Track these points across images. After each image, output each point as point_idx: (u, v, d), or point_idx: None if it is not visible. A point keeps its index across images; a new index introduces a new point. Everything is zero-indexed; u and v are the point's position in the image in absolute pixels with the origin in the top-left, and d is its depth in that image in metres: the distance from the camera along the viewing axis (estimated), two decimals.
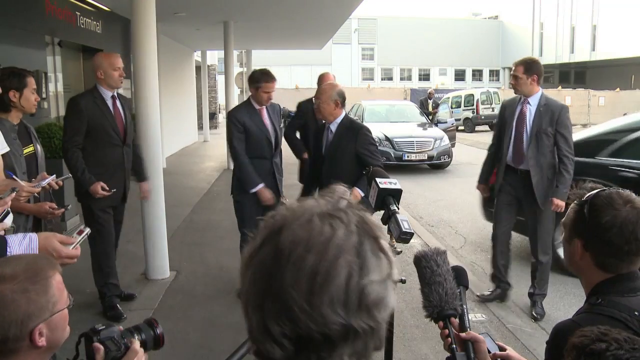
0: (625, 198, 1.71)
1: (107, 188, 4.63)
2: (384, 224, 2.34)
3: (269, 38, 17.52)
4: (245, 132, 5.10)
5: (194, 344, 4.45)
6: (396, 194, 2.34)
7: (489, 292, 5.40)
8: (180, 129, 18.06)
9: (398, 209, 2.26)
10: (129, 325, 1.61)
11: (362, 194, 4.27)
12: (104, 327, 1.50)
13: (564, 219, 1.86)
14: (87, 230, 2.01)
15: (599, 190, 1.76)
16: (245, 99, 19.79)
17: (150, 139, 5.68)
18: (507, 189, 5.15)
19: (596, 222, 1.69)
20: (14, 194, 1.98)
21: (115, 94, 4.86)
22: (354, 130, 4.66)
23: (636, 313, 1.61)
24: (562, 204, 4.75)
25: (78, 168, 4.62)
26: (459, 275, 1.64)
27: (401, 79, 55.66)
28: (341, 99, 4.61)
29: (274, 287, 0.81)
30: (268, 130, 5.20)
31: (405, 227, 2.12)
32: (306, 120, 6.54)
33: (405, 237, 2.12)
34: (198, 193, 10.80)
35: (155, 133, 5.76)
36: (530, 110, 4.93)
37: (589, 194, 1.76)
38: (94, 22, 10.42)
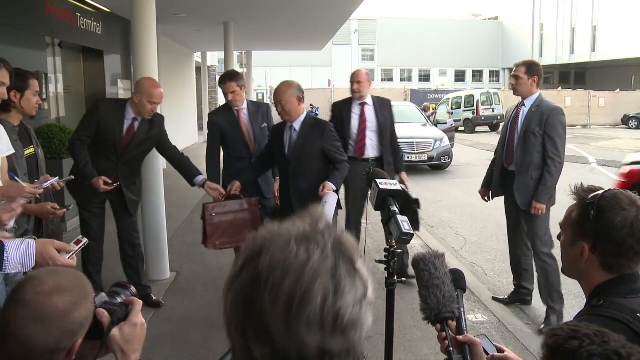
0: (630, 198, 1.70)
1: (110, 181, 4.63)
2: (385, 225, 2.34)
3: (269, 39, 17.52)
4: (222, 133, 5.20)
5: (194, 344, 4.45)
6: (396, 195, 2.35)
7: (504, 297, 5.40)
8: (180, 130, 18.04)
9: (398, 209, 2.27)
10: None
11: (334, 187, 4.18)
12: (94, 293, 1.51)
13: (562, 221, 1.84)
14: (85, 240, 2.02)
15: (603, 191, 1.75)
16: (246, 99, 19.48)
17: None
18: (507, 193, 5.14)
19: (606, 224, 1.67)
20: (23, 201, 2.01)
21: (139, 119, 4.81)
22: (319, 127, 4.61)
23: (638, 314, 1.60)
24: (542, 207, 4.73)
25: (82, 160, 4.64)
26: (457, 278, 1.65)
27: (401, 79, 55.69)
28: (302, 94, 4.52)
29: (253, 310, 0.84)
30: (243, 131, 5.20)
31: (405, 228, 2.13)
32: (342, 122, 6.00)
33: (405, 237, 2.13)
34: (198, 194, 10.74)
35: None
36: (524, 111, 4.95)
37: (591, 195, 1.75)
38: (95, 23, 10.41)
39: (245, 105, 5.26)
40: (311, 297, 0.82)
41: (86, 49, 10.32)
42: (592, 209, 1.71)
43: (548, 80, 51.89)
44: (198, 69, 22.73)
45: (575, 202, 1.80)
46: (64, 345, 1.40)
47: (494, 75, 57.94)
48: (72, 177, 3.93)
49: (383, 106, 5.82)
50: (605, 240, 1.68)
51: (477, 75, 57.66)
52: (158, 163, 5.81)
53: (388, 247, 2.28)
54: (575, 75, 51.23)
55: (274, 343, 0.83)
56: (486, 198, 5.50)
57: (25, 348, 1.35)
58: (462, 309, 1.61)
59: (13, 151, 3.31)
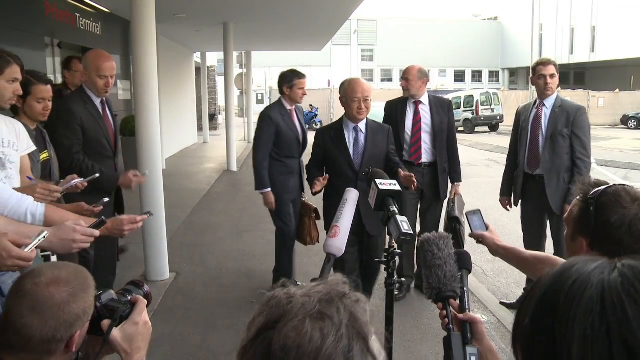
0: (633, 196, 1.67)
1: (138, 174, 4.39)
2: (384, 225, 2.34)
3: (269, 39, 17.54)
4: (278, 132, 5.19)
5: (194, 345, 4.45)
6: (396, 195, 2.35)
7: (513, 302, 5.29)
8: (179, 130, 18.06)
9: (397, 209, 2.27)
10: None
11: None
12: (102, 291, 1.56)
13: (566, 215, 1.82)
14: (45, 232, 1.99)
15: (605, 187, 1.72)
16: (245, 100, 19.67)
17: (150, 141, 5.68)
18: (529, 198, 5.02)
19: (604, 221, 1.64)
20: (41, 239, 1.98)
21: (104, 99, 4.52)
22: (383, 128, 4.47)
23: None
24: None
25: (95, 169, 4.10)
26: (462, 259, 1.68)
27: (401, 79, 55.60)
28: None
29: None
30: (298, 130, 5.34)
31: (404, 228, 2.13)
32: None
33: (404, 238, 2.12)
34: (197, 194, 10.80)
35: (155, 134, 5.76)
36: (546, 113, 4.81)
37: (594, 190, 1.72)
38: (94, 24, 10.42)
39: (293, 105, 5.40)
40: None
41: (86, 50, 10.30)
42: (592, 205, 1.69)
43: None
44: (197, 70, 22.72)
45: (579, 196, 1.79)
46: (60, 336, 1.44)
47: (494, 75, 57.90)
48: (97, 175, 3.61)
49: (441, 106, 5.37)
50: (603, 237, 1.66)
51: (477, 76, 57.63)
52: (157, 163, 5.80)
53: (387, 247, 2.28)
54: (575, 76, 51.20)
55: None
56: (508, 207, 5.26)
57: (23, 337, 1.41)
58: (465, 289, 1.63)
59: (34, 148, 3.24)
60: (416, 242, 4.74)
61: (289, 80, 5.24)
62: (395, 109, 5.37)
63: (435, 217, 5.36)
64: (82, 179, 3.30)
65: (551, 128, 4.74)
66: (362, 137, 4.34)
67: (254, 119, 24.87)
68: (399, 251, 2.27)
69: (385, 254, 2.27)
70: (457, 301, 1.61)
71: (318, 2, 10.87)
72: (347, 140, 4.33)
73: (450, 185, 5.42)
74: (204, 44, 19.17)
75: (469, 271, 1.70)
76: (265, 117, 5.26)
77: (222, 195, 11.20)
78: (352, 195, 2.17)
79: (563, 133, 4.70)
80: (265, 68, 45.19)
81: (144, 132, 5.68)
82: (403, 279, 5.23)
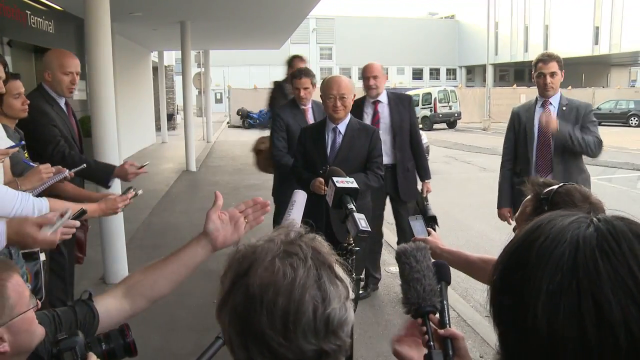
0: (584, 194, 1.73)
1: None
2: (342, 222, 2.36)
3: (227, 38, 17.43)
4: (288, 132, 4.94)
5: (155, 348, 4.39)
6: (353, 193, 2.37)
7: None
8: (137, 131, 17.78)
9: (355, 207, 2.29)
10: None
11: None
12: (66, 336, 1.45)
13: (517, 214, 1.86)
14: (69, 212, 1.96)
15: (557, 186, 1.77)
16: (202, 99, 19.52)
17: (107, 141, 5.58)
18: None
19: None
20: (66, 219, 1.94)
21: (66, 100, 4.31)
22: (367, 131, 4.20)
23: None
24: None
25: (82, 160, 3.93)
26: (440, 270, 1.61)
27: (360, 78, 55.79)
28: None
29: (252, 329, 0.94)
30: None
31: (362, 225, 2.14)
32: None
33: (362, 235, 2.14)
34: (156, 195, 10.66)
35: (112, 135, 5.66)
36: (553, 112, 4.31)
37: (546, 189, 1.77)
38: (46, 22, 10.17)
39: (310, 104, 5.12)
40: (303, 310, 0.93)
41: (38, 48, 10.07)
42: (545, 204, 1.73)
43: (504, 77, 52.98)
44: (155, 69, 22.42)
45: (529, 196, 1.83)
46: None
47: (451, 73, 58.75)
48: (85, 165, 3.51)
49: (400, 103, 5.14)
50: None
51: (435, 73, 58.38)
52: (115, 164, 5.70)
53: (345, 244, 2.29)
54: (530, 73, 52.27)
55: (275, 353, 0.94)
56: (510, 220, 4.57)
57: None
58: (445, 302, 1.57)
59: (15, 150, 3.15)
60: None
61: (292, 77, 5.06)
62: (352, 111, 4.94)
63: (406, 219, 5.03)
64: (69, 170, 3.22)
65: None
66: (339, 139, 4.14)
67: (213, 118, 24.72)
68: (357, 248, 2.28)
69: (344, 252, 2.28)
70: (437, 315, 1.55)
71: (276, 1, 10.85)
72: (326, 141, 4.16)
73: (420, 184, 5.22)
74: (161, 43, 18.91)
75: (448, 283, 1.62)
76: (275, 117, 5.08)
77: (182, 195, 11.08)
78: (299, 197, 2.13)
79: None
80: (224, 67, 44.85)
81: (100, 132, 5.57)
82: (362, 277, 5.18)
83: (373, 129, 4.33)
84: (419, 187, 5.28)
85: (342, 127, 4.15)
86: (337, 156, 4.08)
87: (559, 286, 0.76)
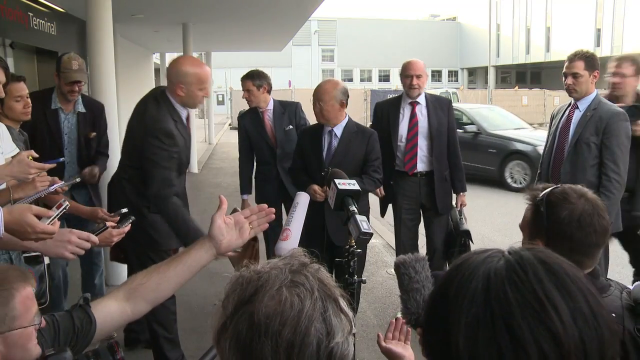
0: (579, 192, 1.73)
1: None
2: (344, 225, 2.35)
3: (229, 40, 17.42)
4: (249, 137, 5.09)
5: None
6: (355, 195, 2.37)
7: None
8: None
9: (357, 209, 2.28)
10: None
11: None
12: (53, 352, 1.40)
13: (520, 222, 1.86)
14: (66, 204, 1.96)
15: (552, 187, 1.77)
16: (205, 101, 19.64)
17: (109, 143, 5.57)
18: None
19: (555, 219, 1.69)
20: (63, 210, 1.93)
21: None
22: (364, 135, 4.10)
23: (613, 315, 1.55)
24: None
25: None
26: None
27: (361, 80, 55.97)
28: (346, 99, 3.99)
29: (254, 357, 0.93)
30: (268, 134, 5.01)
31: (364, 227, 2.14)
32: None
33: (364, 237, 2.14)
34: None
35: (113, 137, 5.65)
36: (577, 116, 3.99)
37: (542, 192, 1.77)
38: (48, 24, 10.17)
39: (271, 106, 5.06)
40: (308, 342, 0.92)
41: (40, 50, 10.09)
42: (542, 205, 1.74)
43: (505, 79, 52.99)
44: (157, 71, 22.43)
45: (529, 202, 1.83)
46: None
47: (453, 75, 58.77)
48: (78, 179, 3.51)
49: (439, 106, 4.74)
50: (556, 235, 1.69)
51: (436, 75, 58.36)
52: (115, 163, 5.70)
53: (347, 247, 2.29)
54: (531, 75, 52.31)
55: None
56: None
57: None
58: None
59: (18, 150, 3.10)
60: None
61: (240, 79, 5.17)
62: (387, 112, 4.82)
63: (440, 233, 4.77)
64: (62, 183, 3.19)
65: (577, 134, 3.92)
66: (335, 142, 4.06)
67: (215, 120, 24.71)
68: (359, 251, 2.28)
69: (346, 254, 2.28)
70: None
71: (278, 3, 10.84)
72: (323, 144, 4.10)
73: (454, 196, 4.88)
74: (163, 45, 18.91)
75: None
76: (238, 122, 5.22)
77: None
78: (302, 199, 2.14)
79: (590, 141, 3.84)
80: (226, 69, 44.87)
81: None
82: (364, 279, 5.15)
83: (371, 131, 4.22)
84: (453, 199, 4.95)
85: (338, 130, 4.07)
86: (332, 159, 4.00)
87: (475, 318, 0.82)
